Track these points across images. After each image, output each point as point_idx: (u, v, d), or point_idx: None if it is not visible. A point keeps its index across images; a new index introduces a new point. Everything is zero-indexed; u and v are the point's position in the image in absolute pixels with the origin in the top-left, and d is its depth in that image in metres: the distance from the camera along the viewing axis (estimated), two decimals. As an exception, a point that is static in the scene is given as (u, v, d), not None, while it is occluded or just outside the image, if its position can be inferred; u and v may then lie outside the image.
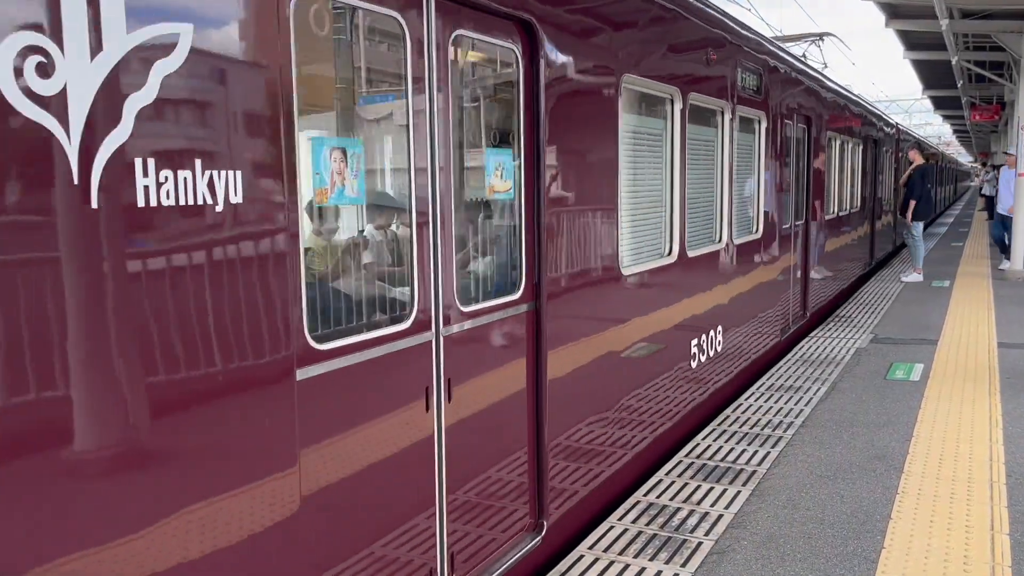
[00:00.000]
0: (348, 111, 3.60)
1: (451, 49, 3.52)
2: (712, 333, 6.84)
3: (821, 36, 15.28)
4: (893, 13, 18.68)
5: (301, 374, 2.80)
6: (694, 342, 6.43)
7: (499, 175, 3.98)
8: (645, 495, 5.18)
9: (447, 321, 3.56)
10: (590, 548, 4.48)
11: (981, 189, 33.30)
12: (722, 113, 7.01)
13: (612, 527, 4.73)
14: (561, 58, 4.31)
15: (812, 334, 10.07)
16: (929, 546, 4.42)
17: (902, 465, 5.58)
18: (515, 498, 4.17)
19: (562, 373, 4.46)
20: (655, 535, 4.62)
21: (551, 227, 4.28)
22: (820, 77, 10.83)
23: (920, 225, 14.60)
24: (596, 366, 4.87)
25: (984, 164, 47.17)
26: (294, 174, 2.71)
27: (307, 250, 3.03)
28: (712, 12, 6.60)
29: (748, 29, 7.62)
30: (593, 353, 4.83)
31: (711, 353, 6.81)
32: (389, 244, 3.65)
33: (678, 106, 5.97)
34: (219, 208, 2.45)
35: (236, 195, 2.50)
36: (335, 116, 3.54)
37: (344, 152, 3.08)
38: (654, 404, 5.74)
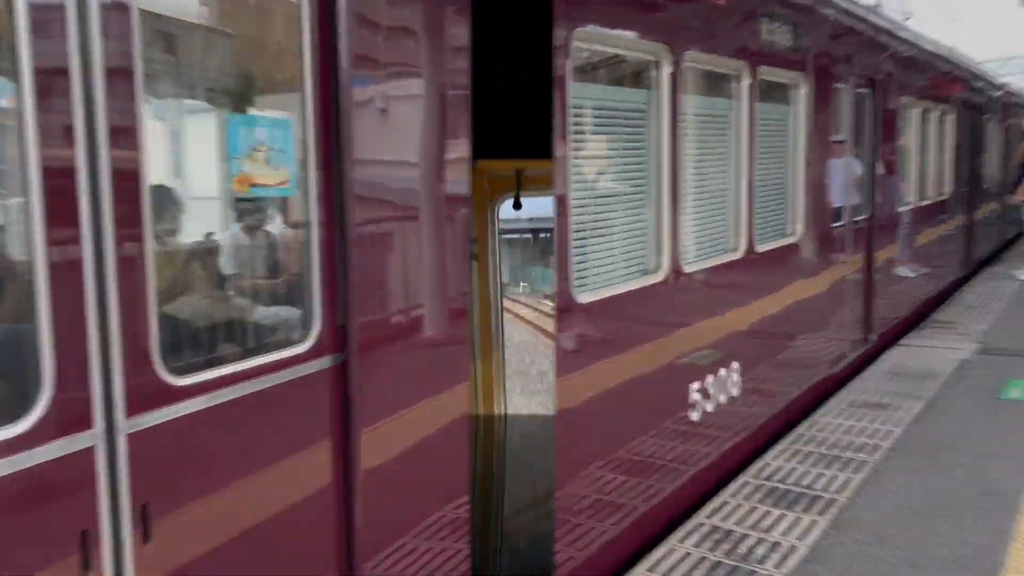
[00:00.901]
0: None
1: None
2: (724, 372, 5.44)
3: None
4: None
5: None
6: (695, 387, 5.10)
7: (260, 159, 2.62)
8: (709, 518, 4.80)
9: (137, 408, 2.28)
10: (649, 571, 4.20)
11: None
12: (737, 78, 5.56)
13: (673, 550, 4.41)
14: None
15: (902, 342, 9.04)
16: (1049, 609, 3.73)
17: (1017, 504, 4.91)
18: None
19: (391, 456, 3.06)
20: (720, 563, 4.26)
21: (369, 238, 2.92)
22: (889, 28, 8.87)
23: None
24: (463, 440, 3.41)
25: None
26: None
27: None
28: None
29: None
30: (456, 423, 3.33)
31: (722, 399, 5.41)
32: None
33: (667, 70, 4.58)
34: None
35: None
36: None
37: None
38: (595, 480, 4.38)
